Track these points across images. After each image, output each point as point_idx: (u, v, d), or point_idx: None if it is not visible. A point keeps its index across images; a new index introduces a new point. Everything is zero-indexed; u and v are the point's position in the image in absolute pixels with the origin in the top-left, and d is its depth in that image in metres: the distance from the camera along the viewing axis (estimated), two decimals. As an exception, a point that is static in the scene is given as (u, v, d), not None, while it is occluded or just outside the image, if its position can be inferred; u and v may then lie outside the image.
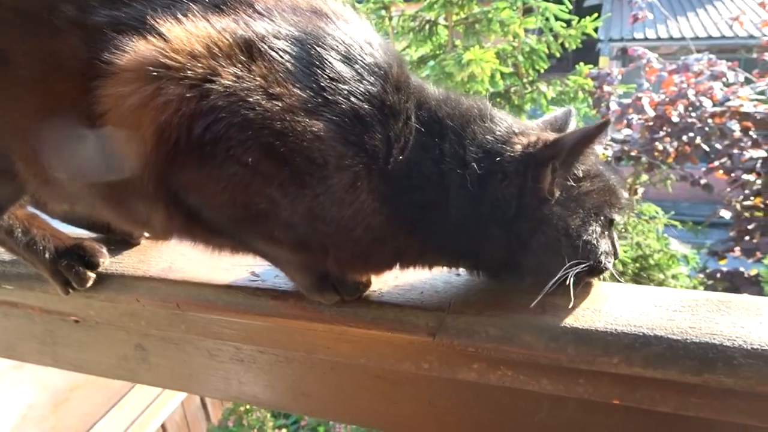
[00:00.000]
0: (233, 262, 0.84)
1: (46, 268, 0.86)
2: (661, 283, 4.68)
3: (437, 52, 5.68)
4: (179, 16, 0.65)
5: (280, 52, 0.63)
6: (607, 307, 0.67)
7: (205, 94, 0.60)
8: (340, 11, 0.71)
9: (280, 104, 0.60)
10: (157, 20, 0.64)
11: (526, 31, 5.59)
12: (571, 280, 0.67)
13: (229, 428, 5.26)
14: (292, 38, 0.64)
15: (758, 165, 4.34)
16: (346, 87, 0.63)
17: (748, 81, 4.87)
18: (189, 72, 0.61)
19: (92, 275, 0.86)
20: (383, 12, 5.61)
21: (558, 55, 5.61)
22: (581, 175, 0.71)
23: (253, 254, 0.75)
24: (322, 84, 0.62)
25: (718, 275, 4.37)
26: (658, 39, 9.44)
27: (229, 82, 0.60)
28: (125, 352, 0.97)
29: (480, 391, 0.77)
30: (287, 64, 0.62)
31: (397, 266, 0.73)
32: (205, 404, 3.39)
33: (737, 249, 4.46)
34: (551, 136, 0.72)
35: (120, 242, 0.96)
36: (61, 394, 2.67)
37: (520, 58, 5.55)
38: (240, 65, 0.62)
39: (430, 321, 0.70)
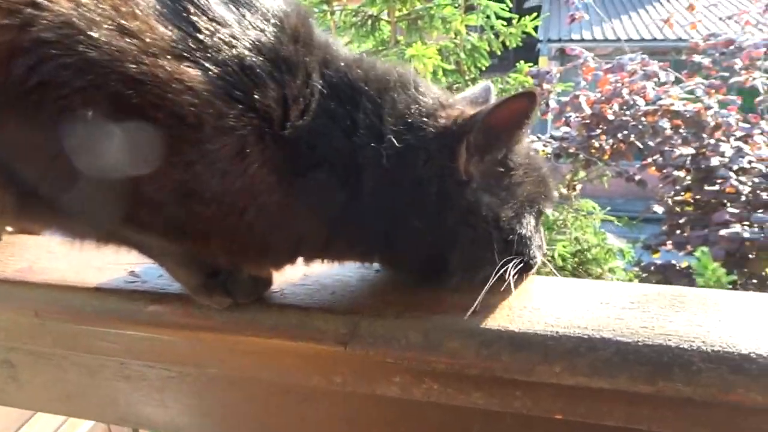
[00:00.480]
0: (109, 260, 0.70)
1: None
2: (599, 277, 4.76)
3: (380, 47, 5.63)
4: None
5: None
6: (547, 305, 0.57)
7: (27, 22, 0.46)
8: None
9: (136, 43, 0.47)
10: None
11: (468, 28, 5.60)
12: (510, 279, 0.57)
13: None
14: None
15: (688, 162, 4.47)
16: (227, 30, 0.50)
17: (678, 81, 5.03)
18: None
19: (-68, 279, 0.70)
20: (325, 6, 5.50)
21: (499, 53, 5.65)
22: (514, 164, 0.62)
23: (123, 245, 0.61)
24: (197, 24, 0.49)
25: (652, 268, 4.46)
26: (594, 40, 9.69)
27: (64, 9, 0.46)
28: (-12, 369, 0.81)
29: (405, 406, 0.65)
30: None
31: (301, 259, 0.61)
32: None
33: (669, 243, 4.57)
34: (472, 110, 0.62)
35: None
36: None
37: (462, 55, 5.56)
38: None
39: (342, 327, 0.58)
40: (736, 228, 3.91)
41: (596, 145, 4.91)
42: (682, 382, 0.49)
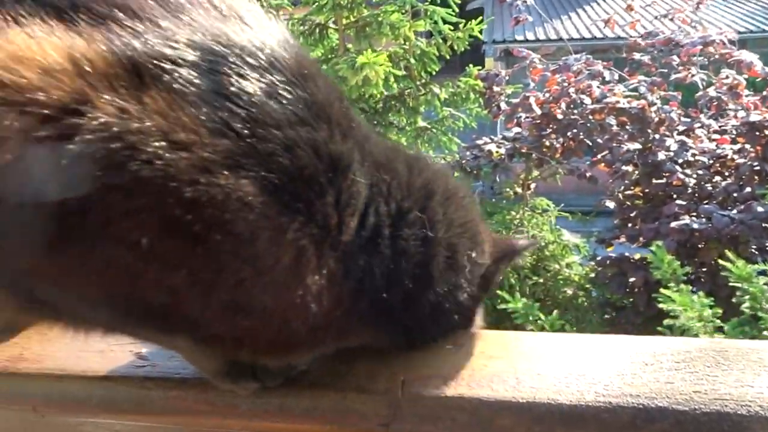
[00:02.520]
0: (111, 341, 0.64)
1: None
2: (557, 273, 4.86)
3: (329, 56, 5.61)
4: (18, 14, 0.43)
5: (184, 79, 0.43)
6: (590, 367, 0.56)
7: (67, 133, 0.39)
8: (253, 15, 0.51)
9: (188, 156, 0.41)
10: None
11: (416, 34, 5.63)
12: None
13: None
14: (198, 57, 0.44)
15: (635, 157, 4.61)
16: (280, 133, 0.45)
17: (622, 79, 5.19)
18: (39, 94, 0.39)
19: None
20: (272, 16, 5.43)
21: (447, 57, 5.71)
22: None
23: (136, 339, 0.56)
24: (249, 127, 0.44)
25: (608, 262, 4.58)
26: (538, 40, 9.92)
27: (109, 117, 0.39)
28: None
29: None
30: (195, 96, 0.43)
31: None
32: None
33: (622, 236, 4.70)
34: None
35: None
36: None
37: (412, 60, 5.60)
38: (125, 91, 0.41)
39: (381, 407, 0.54)
40: (686, 219, 4.05)
41: (547, 144, 5.03)
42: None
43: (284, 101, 0.46)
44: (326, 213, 0.47)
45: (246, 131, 0.43)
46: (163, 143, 0.40)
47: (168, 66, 0.43)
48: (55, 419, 0.62)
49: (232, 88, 0.44)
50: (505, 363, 0.56)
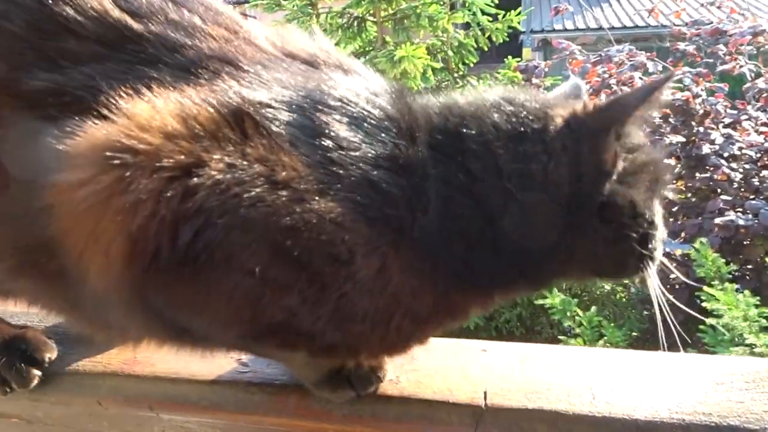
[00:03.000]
0: (213, 348, 0.71)
1: (-20, 365, 0.69)
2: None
3: (367, 48, 5.61)
4: (139, 85, 0.51)
5: (280, 123, 0.51)
6: (662, 384, 0.60)
7: (189, 191, 0.47)
8: (334, 58, 0.60)
9: (286, 194, 0.48)
10: (114, 91, 0.50)
11: (454, 25, 5.60)
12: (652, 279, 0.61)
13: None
14: (290, 103, 0.52)
15: (678, 150, 4.53)
16: (357, 154, 0.52)
17: (665, 70, 5.08)
18: (165, 159, 0.47)
19: (37, 373, 0.70)
20: (310, 9, 5.47)
21: (486, 48, 5.66)
22: (636, 147, 0.61)
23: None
24: (331, 156, 0.51)
25: (650, 258, 4.53)
26: (577, 29, 9.74)
27: (220, 174, 0.47)
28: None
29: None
30: (289, 137, 0.50)
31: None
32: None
33: (665, 232, 4.63)
34: (591, 102, 0.62)
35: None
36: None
37: (450, 52, 5.56)
38: (231, 147, 0.49)
39: (465, 417, 0.60)
40: (731, 215, 3.96)
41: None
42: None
43: (362, 126, 0.54)
44: (400, 217, 0.53)
45: (330, 159, 0.51)
46: (265, 186, 0.48)
47: (265, 114, 0.51)
48: (170, 418, 0.69)
49: (319, 125, 0.52)
50: (580, 378, 0.60)
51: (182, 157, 0.47)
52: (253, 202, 0.47)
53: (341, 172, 0.51)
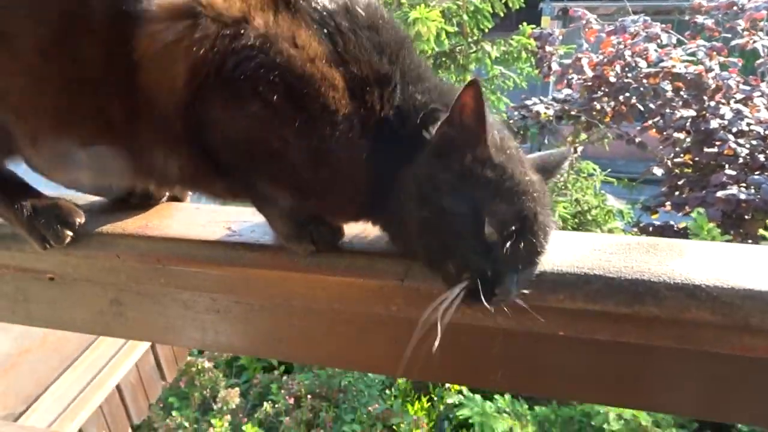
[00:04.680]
0: (209, 219, 0.89)
1: (24, 225, 0.88)
2: (598, 237, 4.93)
3: (384, 9, 5.63)
4: None
5: (309, 10, 0.71)
6: (553, 252, 0.76)
7: (238, 34, 0.68)
8: None
9: (302, 54, 0.69)
10: None
11: (471, -10, 5.61)
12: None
13: (181, 389, 5.29)
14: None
15: (688, 124, 4.58)
16: (361, 56, 0.72)
17: (680, 42, 5.07)
18: (224, 12, 0.68)
19: (69, 233, 0.89)
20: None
21: (502, 14, 5.68)
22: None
23: (250, 198, 0.82)
24: (341, 48, 0.71)
25: (651, 229, 4.63)
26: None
27: (261, 29, 0.68)
28: (101, 307, 1.01)
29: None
30: (311, 20, 0.71)
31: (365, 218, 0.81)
32: (159, 365, 3.40)
33: (668, 204, 4.72)
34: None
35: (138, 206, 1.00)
36: (8, 360, 2.64)
37: (465, 17, 5.58)
38: (270, 14, 0.69)
39: (399, 267, 0.77)
40: (733, 189, 4.02)
41: (598, 107, 4.96)
42: (652, 305, 0.69)
43: (362, 36, 0.74)
44: (373, 102, 0.73)
45: (340, 49, 0.72)
46: (288, 44, 0.69)
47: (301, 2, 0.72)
48: (173, 269, 0.88)
49: (340, 24, 0.73)
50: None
51: (237, 12, 0.69)
52: (279, 51, 0.68)
53: (347, 59, 0.72)
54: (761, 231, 3.79)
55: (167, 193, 1.03)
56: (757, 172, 4.21)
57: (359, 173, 0.75)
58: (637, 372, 0.80)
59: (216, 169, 0.77)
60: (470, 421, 4.47)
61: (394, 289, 0.78)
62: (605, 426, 4.15)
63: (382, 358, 0.92)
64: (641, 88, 4.81)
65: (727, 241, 3.64)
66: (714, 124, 4.44)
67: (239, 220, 0.87)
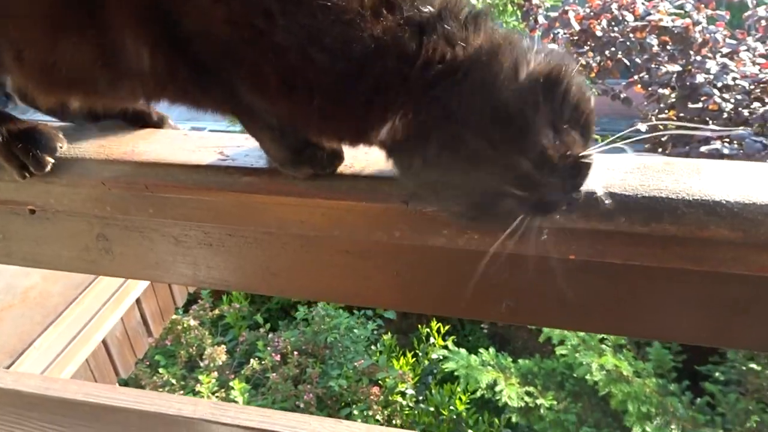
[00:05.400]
0: (199, 145, 0.84)
1: (0, 152, 0.82)
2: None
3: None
4: None
5: None
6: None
7: None
8: None
9: None
10: None
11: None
12: None
13: (167, 347, 5.29)
14: None
15: (673, 79, 4.56)
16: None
17: (669, -6, 5.01)
18: None
19: (50, 160, 0.83)
20: None
21: (489, -36, 5.56)
22: None
23: (237, 116, 0.75)
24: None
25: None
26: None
27: None
28: (86, 243, 0.96)
29: (444, 260, 0.82)
30: None
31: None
32: (145, 320, 3.37)
33: (651, 160, 4.71)
34: None
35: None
36: (-10, 315, 2.60)
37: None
38: None
39: (403, 189, 0.73)
40: (717, 144, 4.05)
41: (583, 62, 4.95)
42: (669, 223, 0.66)
43: None
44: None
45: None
46: None
47: None
48: (162, 197, 0.82)
49: None
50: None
51: None
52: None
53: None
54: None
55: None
56: (741, 127, 4.23)
57: (363, 74, 0.65)
58: (644, 299, 0.78)
59: (193, 69, 0.70)
60: (455, 374, 4.56)
61: (399, 212, 0.74)
62: (587, 377, 4.25)
63: (383, 291, 0.89)
64: (627, 43, 4.79)
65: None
66: (699, 78, 4.44)
67: (232, 144, 0.82)
